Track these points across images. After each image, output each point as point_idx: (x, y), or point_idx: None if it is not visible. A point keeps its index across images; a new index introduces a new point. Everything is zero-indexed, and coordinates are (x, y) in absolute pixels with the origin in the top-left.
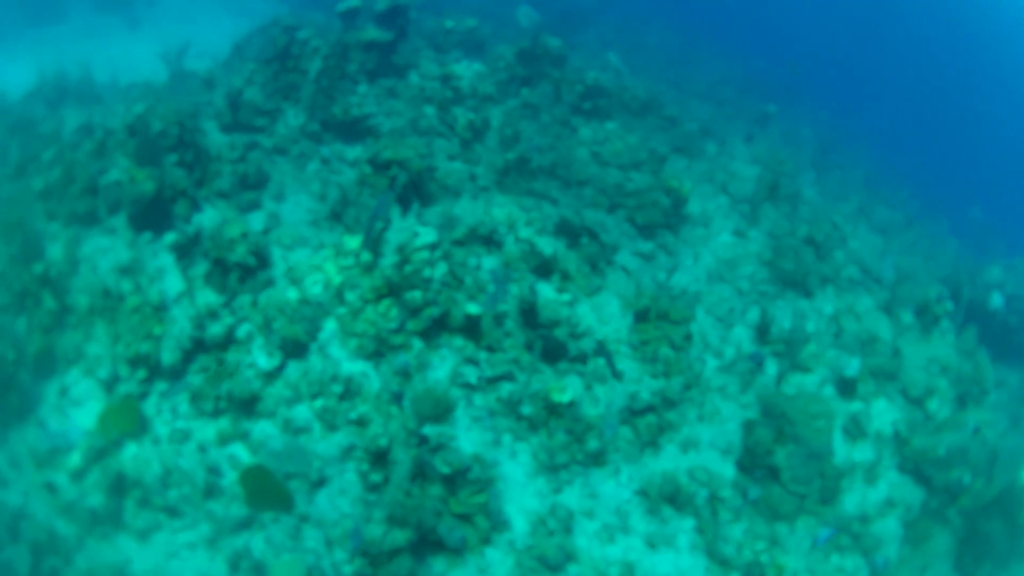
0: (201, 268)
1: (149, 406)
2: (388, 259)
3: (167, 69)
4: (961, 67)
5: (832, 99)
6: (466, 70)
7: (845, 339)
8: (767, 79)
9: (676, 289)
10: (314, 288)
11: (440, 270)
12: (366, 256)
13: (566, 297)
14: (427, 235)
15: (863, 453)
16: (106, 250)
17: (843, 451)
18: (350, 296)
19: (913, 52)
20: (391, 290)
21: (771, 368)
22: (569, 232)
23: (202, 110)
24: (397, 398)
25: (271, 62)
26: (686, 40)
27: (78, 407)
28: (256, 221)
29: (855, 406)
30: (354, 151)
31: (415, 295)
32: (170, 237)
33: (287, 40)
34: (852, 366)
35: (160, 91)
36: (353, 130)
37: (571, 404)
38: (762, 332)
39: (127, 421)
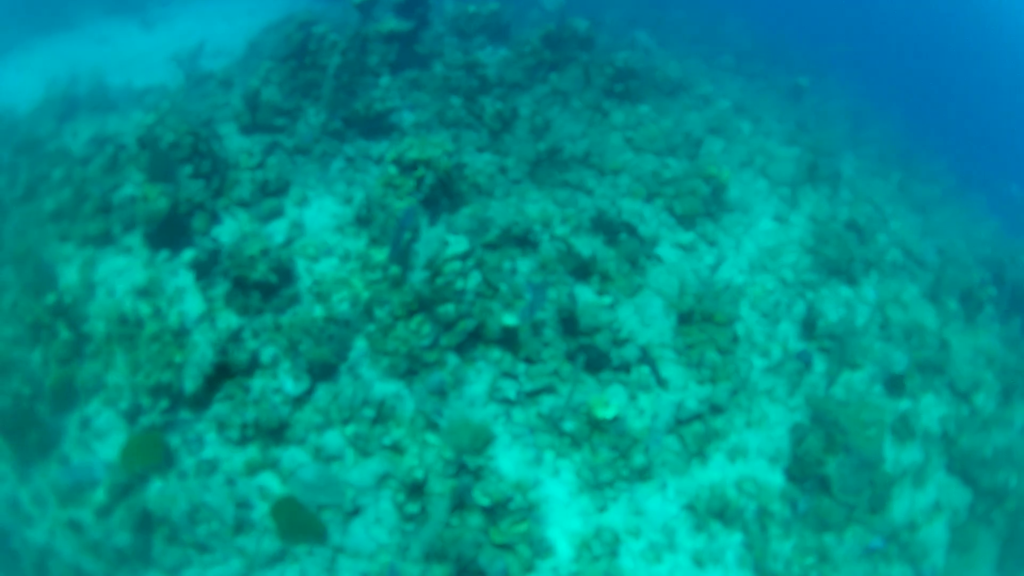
0: (222, 287)
1: (174, 437)
2: (418, 272)
3: (181, 71)
4: (991, 33)
5: (862, 68)
6: (491, 56)
7: (892, 330)
8: (795, 49)
9: (719, 283)
10: (341, 305)
11: (473, 280)
12: (394, 269)
13: (607, 300)
14: (458, 244)
15: (912, 454)
16: (122, 271)
17: (892, 453)
18: (379, 313)
19: (942, 19)
20: (422, 305)
21: (819, 366)
22: (607, 228)
23: (219, 113)
24: (433, 425)
25: (288, 60)
26: (711, 12)
27: (101, 440)
28: (278, 230)
29: (903, 404)
30: (379, 147)
31: (448, 309)
32: (188, 254)
33: (303, 36)
34: (900, 361)
35: (175, 95)
36: (377, 126)
37: (615, 419)
38: (809, 327)
39: (151, 455)
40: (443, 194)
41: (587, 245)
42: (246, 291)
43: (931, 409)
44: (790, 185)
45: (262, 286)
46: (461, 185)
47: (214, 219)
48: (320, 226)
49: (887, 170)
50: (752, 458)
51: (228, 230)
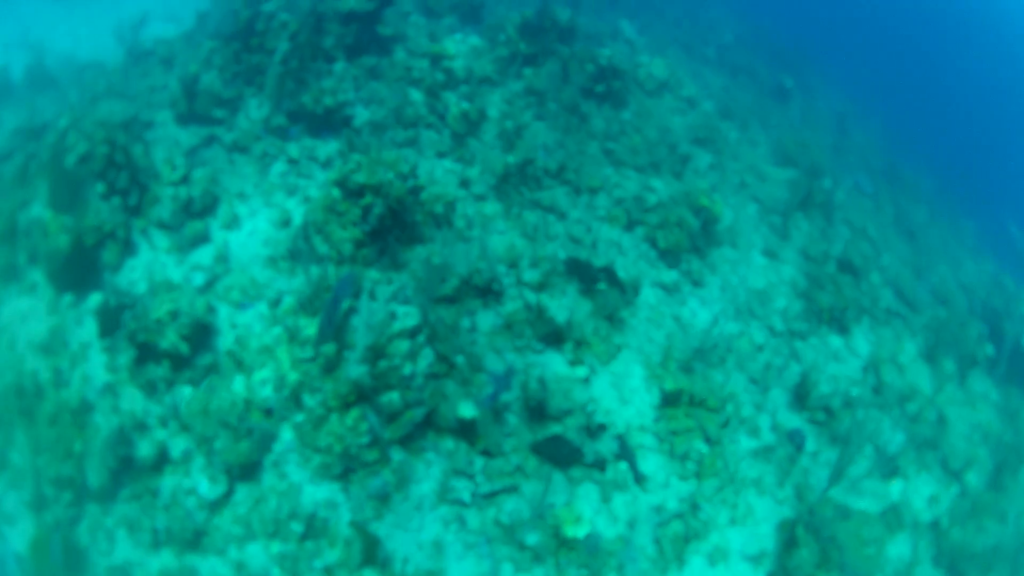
0: (127, 354)
1: (83, 534)
2: (357, 351)
3: (122, 46)
4: (978, 37)
5: (843, 61)
6: (460, 45)
7: (886, 395)
8: (777, 40)
9: (704, 336)
10: (264, 389)
11: (425, 360)
12: (328, 348)
13: (581, 372)
14: (407, 317)
15: (900, 547)
16: (26, 316)
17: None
18: (310, 401)
19: (926, 16)
20: (361, 395)
21: (810, 443)
22: (583, 273)
23: (156, 96)
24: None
25: (232, 40)
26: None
27: (11, 525)
28: (202, 259)
29: (895, 487)
30: (327, 148)
31: (392, 397)
32: (95, 299)
33: (251, 14)
34: (895, 440)
35: (112, 74)
36: (327, 122)
37: (587, 536)
38: (801, 397)
39: (58, 561)
40: (394, 224)
41: (561, 306)
42: (155, 359)
43: (922, 489)
44: (782, 214)
45: (172, 356)
46: (416, 214)
47: (128, 249)
48: (250, 256)
49: (875, 186)
50: (734, 560)
51: (143, 263)
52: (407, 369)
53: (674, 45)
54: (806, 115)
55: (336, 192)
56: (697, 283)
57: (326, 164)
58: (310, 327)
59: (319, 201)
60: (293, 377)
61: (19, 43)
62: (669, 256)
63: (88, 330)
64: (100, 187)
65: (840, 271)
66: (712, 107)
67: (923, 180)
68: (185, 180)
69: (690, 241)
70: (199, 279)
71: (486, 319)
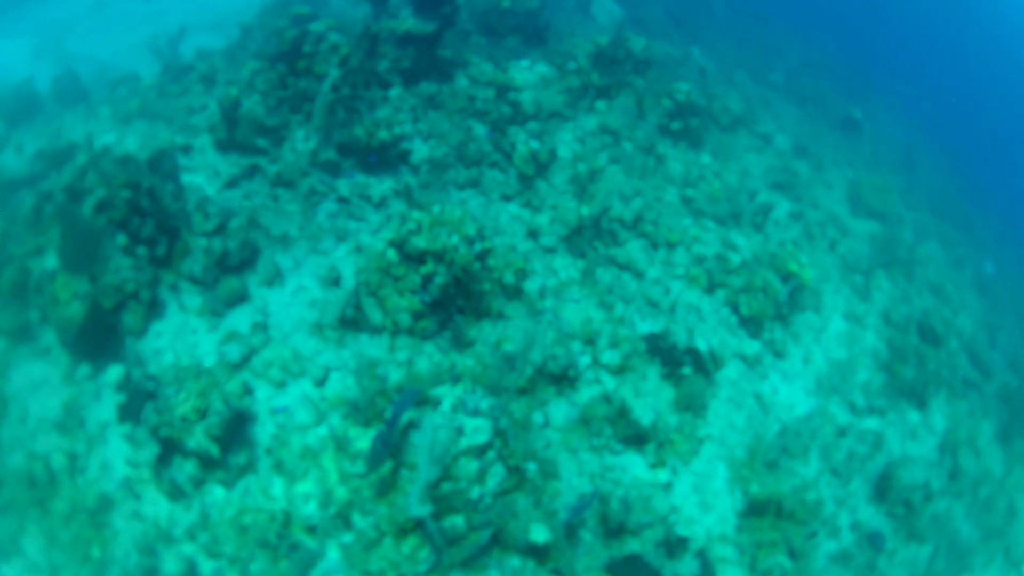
0: (150, 449)
1: None
2: (417, 481)
3: (158, 60)
4: None
5: (908, 89)
6: (527, 73)
7: (961, 482)
8: (840, 63)
9: (785, 414)
10: (307, 505)
11: (495, 478)
12: (385, 468)
13: (663, 476)
14: (478, 433)
15: None
16: (38, 385)
17: None
18: (361, 522)
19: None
20: (419, 523)
21: (888, 539)
22: (666, 356)
23: (195, 118)
24: None
25: (277, 61)
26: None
27: None
28: (239, 324)
29: None
30: (382, 186)
31: (456, 522)
32: (114, 372)
33: (297, 34)
34: (968, 534)
35: (147, 92)
36: (381, 157)
37: None
38: (882, 489)
39: None
40: (458, 292)
41: (646, 406)
42: (181, 453)
43: None
44: (864, 272)
45: (201, 456)
46: (484, 282)
47: (153, 310)
48: (293, 322)
49: (944, 233)
50: None
51: (171, 327)
52: (474, 492)
53: (740, 70)
54: (876, 149)
55: (392, 254)
56: (779, 354)
57: (380, 204)
58: (361, 439)
59: (373, 260)
60: (341, 493)
61: (50, 50)
62: (751, 324)
63: (107, 407)
64: (121, 239)
65: (922, 340)
66: (786, 143)
67: (990, 222)
68: (220, 230)
69: (775, 308)
70: (234, 352)
71: (560, 410)
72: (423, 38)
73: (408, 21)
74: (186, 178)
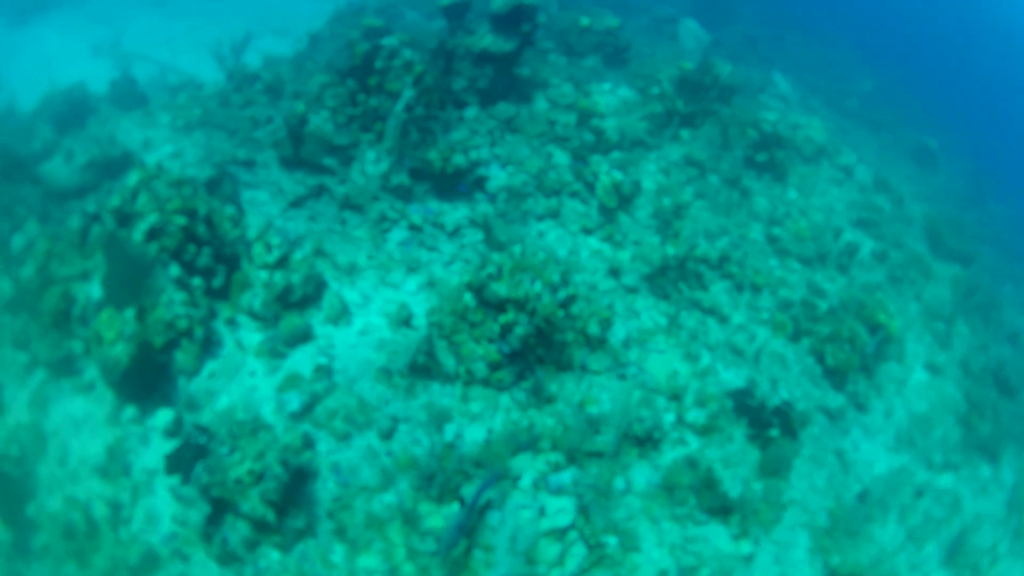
0: (200, 509)
1: None
2: (496, 550)
3: (221, 67)
4: None
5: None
6: (610, 97)
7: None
8: (913, 91)
9: (865, 473)
10: None
11: (575, 559)
12: (457, 550)
13: (745, 548)
14: (562, 514)
15: None
16: (81, 423)
17: None
18: None
19: None
20: None
21: None
22: (754, 416)
23: (260, 131)
24: None
25: (348, 76)
26: (826, 35)
27: None
28: (301, 366)
29: None
30: (456, 213)
31: None
32: (164, 416)
33: (369, 48)
34: None
35: (208, 100)
36: (457, 183)
37: None
38: (954, 554)
39: None
40: (538, 342)
41: (735, 481)
42: (234, 516)
43: None
44: (946, 319)
45: (256, 520)
46: (567, 332)
47: (208, 348)
48: (359, 364)
49: (1016, 273)
50: None
51: (227, 368)
52: None
53: (816, 96)
54: (951, 181)
55: (470, 299)
56: (862, 407)
57: (454, 233)
58: (433, 516)
59: (448, 302)
60: (409, 572)
61: (109, 49)
62: (836, 376)
63: (155, 453)
64: (174, 269)
65: (999, 392)
66: (866, 175)
67: None
68: (283, 263)
69: (861, 360)
70: (294, 401)
71: (642, 474)
72: (501, 57)
73: (486, 38)
74: (248, 194)
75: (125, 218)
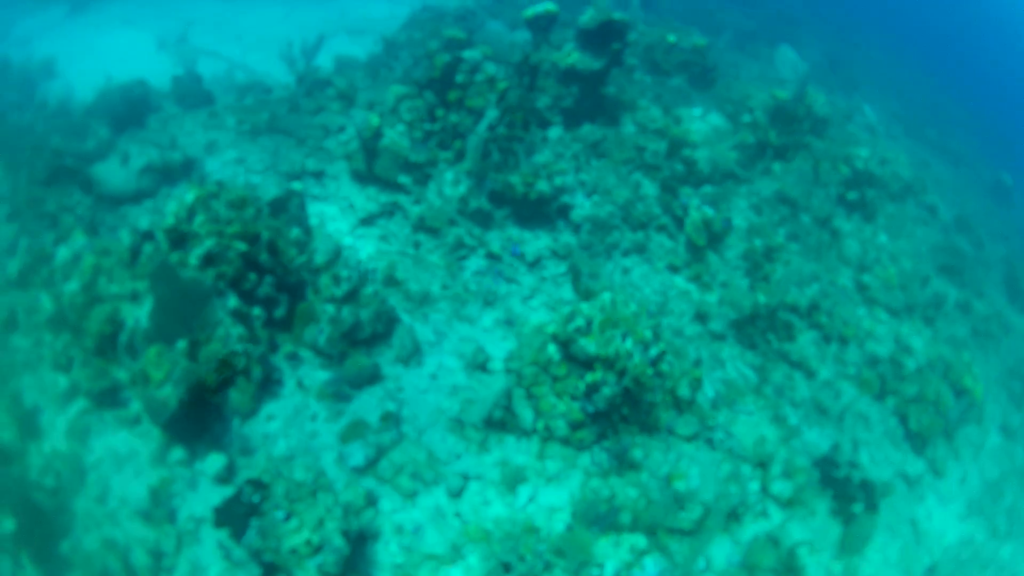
0: (252, 571)
1: None
2: None
3: (291, 70)
4: None
5: None
6: (700, 123)
7: None
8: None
9: (936, 544)
10: None
11: None
12: None
13: None
14: None
15: None
16: (124, 460)
17: None
18: None
19: None
20: None
21: None
22: (839, 488)
23: (329, 141)
24: None
25: (426, 88)
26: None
27: None
28: (367, 408)
29: None
30: (538, 242)
31: None
32: (215, 461)
33: (450, 60)
34: None
35: (277, 105)
36: (539, 210)
37: None
38: None
39: None
40: (624, 402)
41: (817, 565)
42: None
43: None
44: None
45: None
46: (656, 393)
47: (267, 388)
48: (430, 413)
49: None
50: None
51: (285, 410)
52: None
53: (897, 123)
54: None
55: (554, 351)
56: (939, 473)
57: (535, 264)
58: None
59: (529, 348)
60: None
61: (175, 43)
62: (918, 439)
63: (203, 501)
64: (232, 301)
65: None
66: (948, 214)
67: None
68: (352, 297)
69: (943, 424)
70: (358, 455)
71: (722, 551)
72: (588, 76)
73: (573, 55)
74: (317, 208)
75: (180, 239)
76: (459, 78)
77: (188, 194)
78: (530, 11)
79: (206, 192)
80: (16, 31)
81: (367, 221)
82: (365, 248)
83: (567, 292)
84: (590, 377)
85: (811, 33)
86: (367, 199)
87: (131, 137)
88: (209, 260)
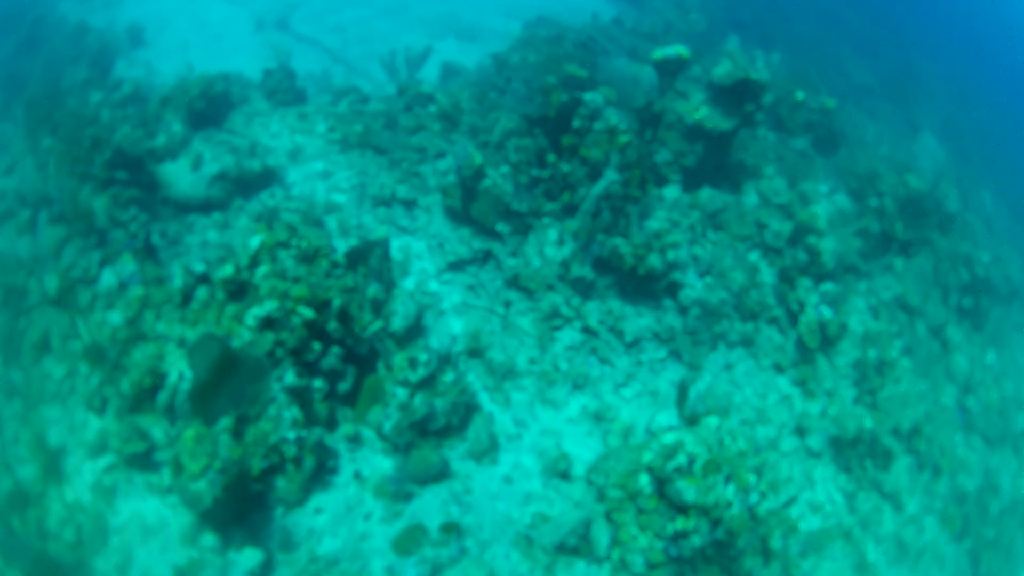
0: None
1: None
2: None
3: (393, 80)
4: None
5: None
6: (826, 203)
7: None
8: None
9: None
10: None
11: None
12: None
13: None
14: None
15: None
16: (151, 531)
17: None
18: None
19: None
20: None
21: None
22: None
23: (425, 167)
24: None
25: (537, 125)
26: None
27: None
28: (429, 513)
29: None
30: (639, 321)
31: None
32: (251, 557)
33: (567, 101)
34: None
35: (373, 119)
36: (646, 285)
37: None
38: None
39: None
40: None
41: None
42: None
43: None
44: None
45: None
46: (748, 538)
47: (319, 477)
48: (498, 524)
49: None
50: None
51: (336, 506)
52: None
53: (1001, 216)
54: None
55: (646, 483)
56: None
57: (632, 345)
58: None
59: (618, 463)
60: None
61: (274, 26)
62: None
63: None
64: (290, 377)
65: None
66: None
67: None
68: (426, 384)
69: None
70: (410, 574)
71: None
72: (716, 136)
73: (701, 110)
74: (403, 242)
75: (240, 289)
76: (576, 123)
77: (253, 239)
78: (659, 53)
79: (274, 240)
80: None
81: (456, 266)
82: (450, 297)
83: (663, 380)
84: (681, 523)
85: (931, 93)
86: (459, 241)
87: (207, 137)
88: (268, 324)
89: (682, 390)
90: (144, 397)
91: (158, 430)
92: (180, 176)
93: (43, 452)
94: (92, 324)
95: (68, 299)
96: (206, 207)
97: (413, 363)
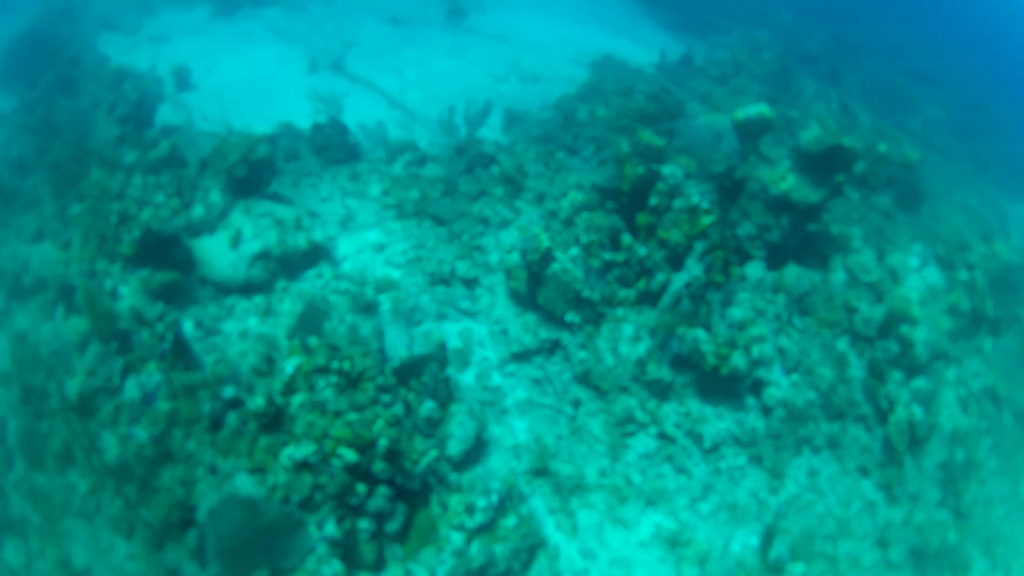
0: None
1: None
2: None
3: (450, 135)
4: None
5: None
6: (916, 278)
7: None
8: None
9: None
10: None
11: None
12: None
13: None
14: None
15: None
16: None
17: None
18: None
19: None
20: None
21: None
22: None
23: (484, 239)
24: None
25: (608, 198)
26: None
27: None
28: None
29: None
30: (719, 424)
31: None
32: None
33: (644, 174)
34: None
35: (433, 184)
36: (728, 385)
37: None
38: None
39: None
40: None
41: None
42: None
43: None
44: None
45: None
46: None
47: None
48: None
49: None
50: None
51: None
52: None
53: None
54: None
55: None
56: None
57: (711, 452)
58: None
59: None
60: None
61: (329, 67)
62: None
63: None
64: (330, 528)
65: None
66: None
67: None
68: (488, 528)
69: None
70: None
71: None
72: (803, 208)
73: (787, 180)
74: (462, 325)
75: (274, 419)
76: (654, 200)
77: (288, 362)
78: (740, 113)
79: (311, 366)
80: (149, 26)
81: (521, 356)
82: (514, 392)
83: (743, 490)
84: None
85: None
86: (524, 328)
87: (248, 208)
88: (305, 466)
89: (753, 440)
90: (172, 532)
91: (189, 570)
92: (218, 254)
93: (68, 574)
94: (118, 438)
95: (90, 406)
96: (247, 289)
97: (471, 509)
